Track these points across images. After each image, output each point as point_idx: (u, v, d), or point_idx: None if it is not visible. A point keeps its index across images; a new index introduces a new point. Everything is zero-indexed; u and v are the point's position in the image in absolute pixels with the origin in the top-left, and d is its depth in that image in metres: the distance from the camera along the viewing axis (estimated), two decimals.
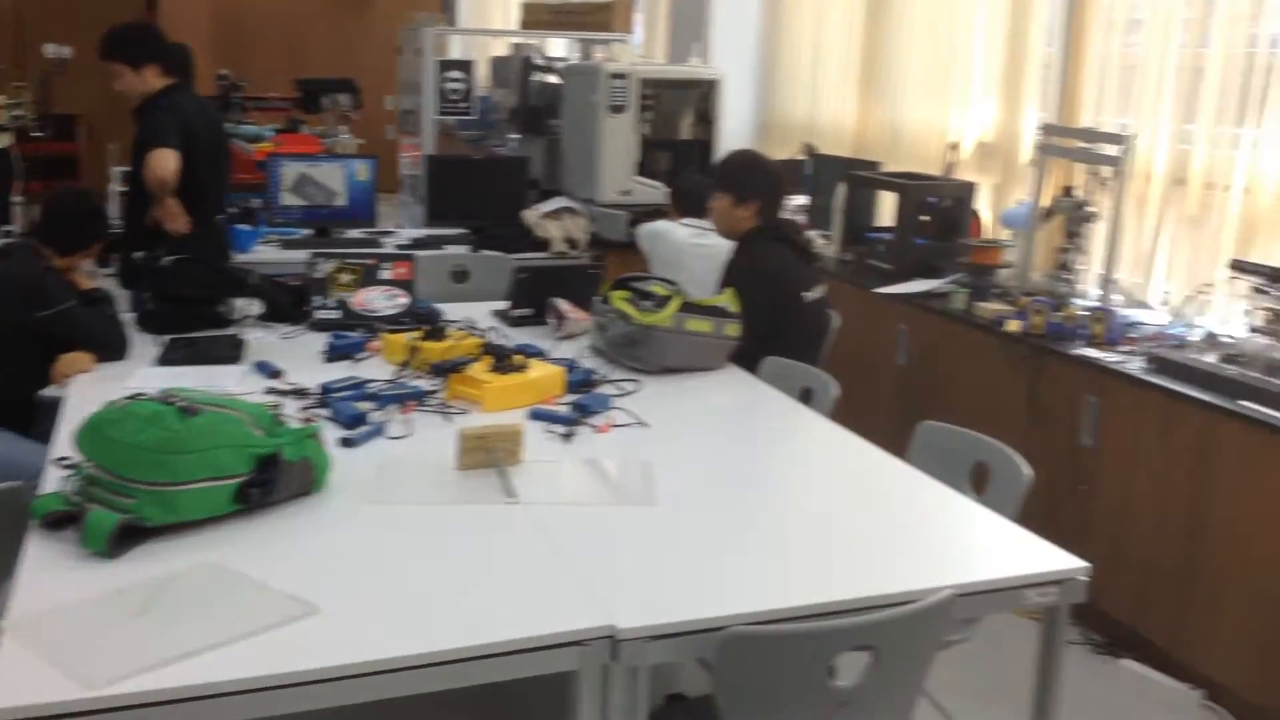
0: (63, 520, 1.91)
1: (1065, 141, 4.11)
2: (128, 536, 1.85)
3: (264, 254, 4.60)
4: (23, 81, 7.96)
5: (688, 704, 2.20)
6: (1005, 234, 4.45)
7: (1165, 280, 3.95)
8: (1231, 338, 3.35)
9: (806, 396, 3.01)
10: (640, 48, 7.45)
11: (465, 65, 7.05)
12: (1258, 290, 3.23)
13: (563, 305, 3.39)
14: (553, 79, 6.47)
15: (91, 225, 3.37)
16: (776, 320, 3.30)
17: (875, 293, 4.34)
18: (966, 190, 4.59)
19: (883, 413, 4.17)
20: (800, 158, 5.66)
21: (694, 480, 2.34)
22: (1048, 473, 3.32)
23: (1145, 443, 3.25)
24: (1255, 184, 3.56)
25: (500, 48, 7.78)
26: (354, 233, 5.00)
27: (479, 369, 2.75)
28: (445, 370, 2.77)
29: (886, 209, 4.96)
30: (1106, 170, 3.84)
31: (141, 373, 2.85)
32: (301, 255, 3.80)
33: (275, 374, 2.87)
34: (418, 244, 4.89)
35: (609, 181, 5.45)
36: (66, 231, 3.28)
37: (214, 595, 1.74)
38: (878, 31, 5.46)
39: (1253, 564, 2.95)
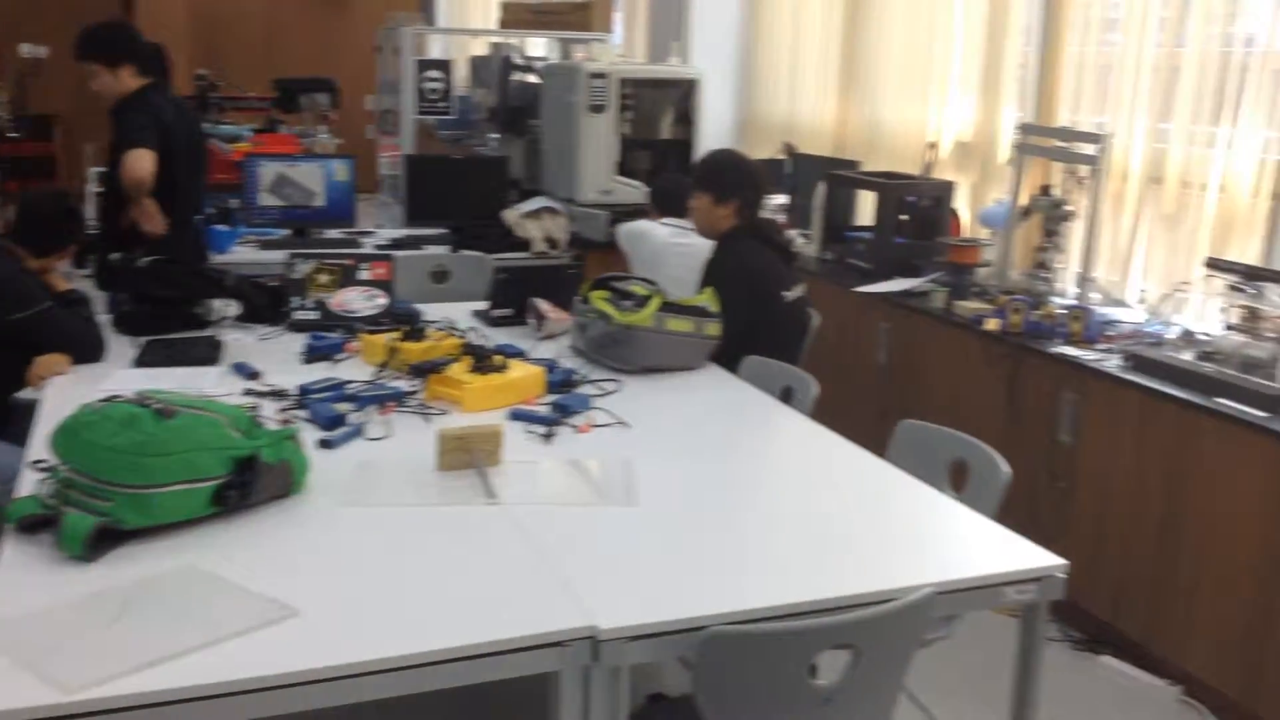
0: (39, 523, 1.89)
1: (1043, 140, 4.13)
2: (104, 539, 1.84)
3: (242, 254, 4.57)
4: None
5: (669, 704, 2.20)
6: (984, 233, 4.47)
7: (1142, 278, 3.98)
8: (1208, 335, 3.37)
9: (787, 395, 3.01)
10: (620, 47, 7.45)
11: (444, 65, 7.04)
12: (1233, 288, 3.25)
13: (543, 305, 3.38)
14: (532, 78, 6.46)
15: (67, 226, 3.35)
16: (756, 319, 3.30)
17: (855, 292, 4.35)
18: (945, 189, 4.61)
19: (863, 411, 4.18)
20: (780, 157, 5.67)
21: (675, 480, 2.34)
22: (1026, 470, 3.35)
23: (1123, 440, 3.28)
24: (1230, 182, 3.58)
25: (480, 47, 7.77)
26: (333, 233, 4.97)
27: (459, 369, 2.74)
28: (425, 371, 2.77)
29: (866, 208, 4.98)
30: (1084, 169, 3.86)
31: (118, 374, 2.83)
32: (280, 256, 3.77)
33: (253, 375, 2.86)
34: (397, 244, 4.88)
35: (589, 181, 5.44)
36: (42, 232, 3.25)
37: (192, 598, 1.73)
38: (856, 31, 5.48)
39: (1230, 560, 2.97)
